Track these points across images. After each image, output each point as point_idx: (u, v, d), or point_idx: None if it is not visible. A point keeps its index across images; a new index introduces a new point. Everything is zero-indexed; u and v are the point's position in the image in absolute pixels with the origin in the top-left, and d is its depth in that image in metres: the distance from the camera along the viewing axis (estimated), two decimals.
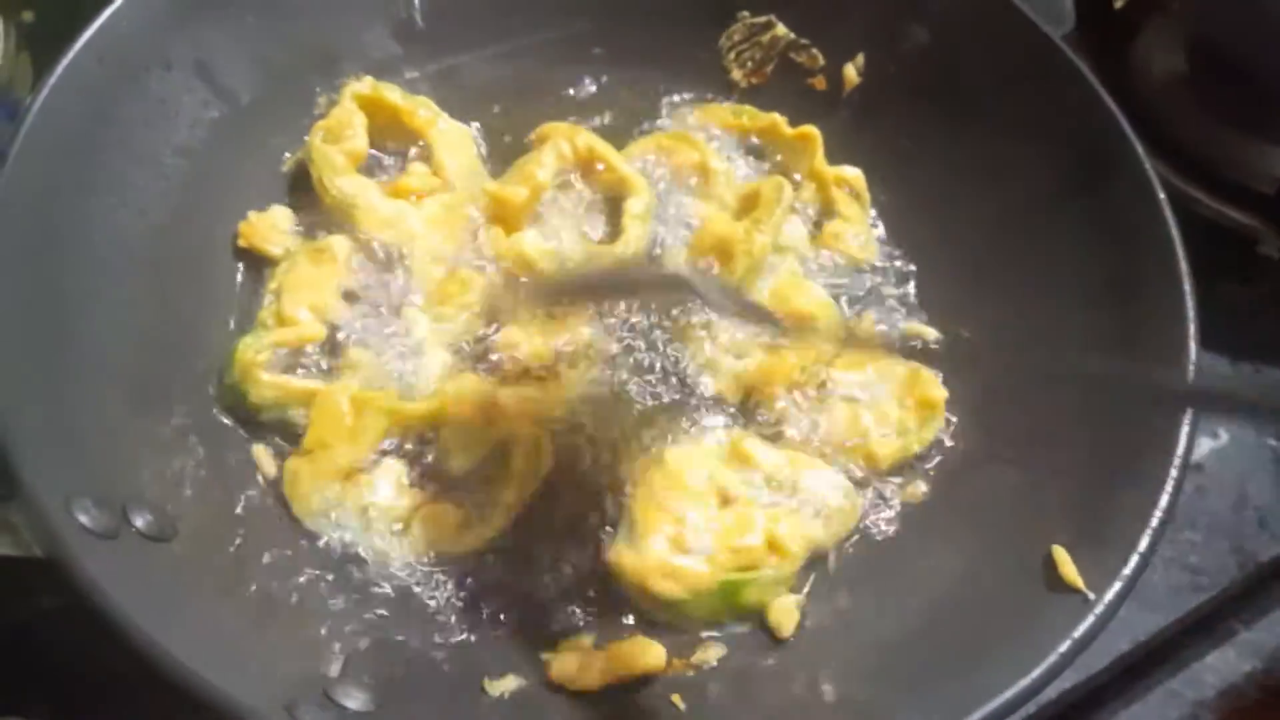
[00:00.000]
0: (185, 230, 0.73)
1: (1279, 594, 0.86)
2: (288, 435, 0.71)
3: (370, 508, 0.68)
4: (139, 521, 0.59)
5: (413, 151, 0.82)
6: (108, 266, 0.68)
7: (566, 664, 0.64)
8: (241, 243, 0.76)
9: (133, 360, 0.67)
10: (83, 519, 0.56)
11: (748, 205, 0.81)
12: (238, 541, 0.65)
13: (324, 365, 0.73)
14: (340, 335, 0.74)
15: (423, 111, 0.81)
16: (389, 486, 0.69)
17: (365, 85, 0.81)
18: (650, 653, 0.64)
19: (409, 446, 0.71)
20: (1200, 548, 0.83)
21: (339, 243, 0.75)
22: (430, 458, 0.70)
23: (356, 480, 0.69)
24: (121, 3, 0.69)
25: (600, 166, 0.81)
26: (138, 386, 0.67)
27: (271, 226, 0.77)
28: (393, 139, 0.82)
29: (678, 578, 0.64)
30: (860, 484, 0.73)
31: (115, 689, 0.64)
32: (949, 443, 0.74)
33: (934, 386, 0.73)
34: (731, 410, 0.75)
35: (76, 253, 0.66)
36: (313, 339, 0.73)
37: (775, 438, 0.73)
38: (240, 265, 0.77)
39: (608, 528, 0.70)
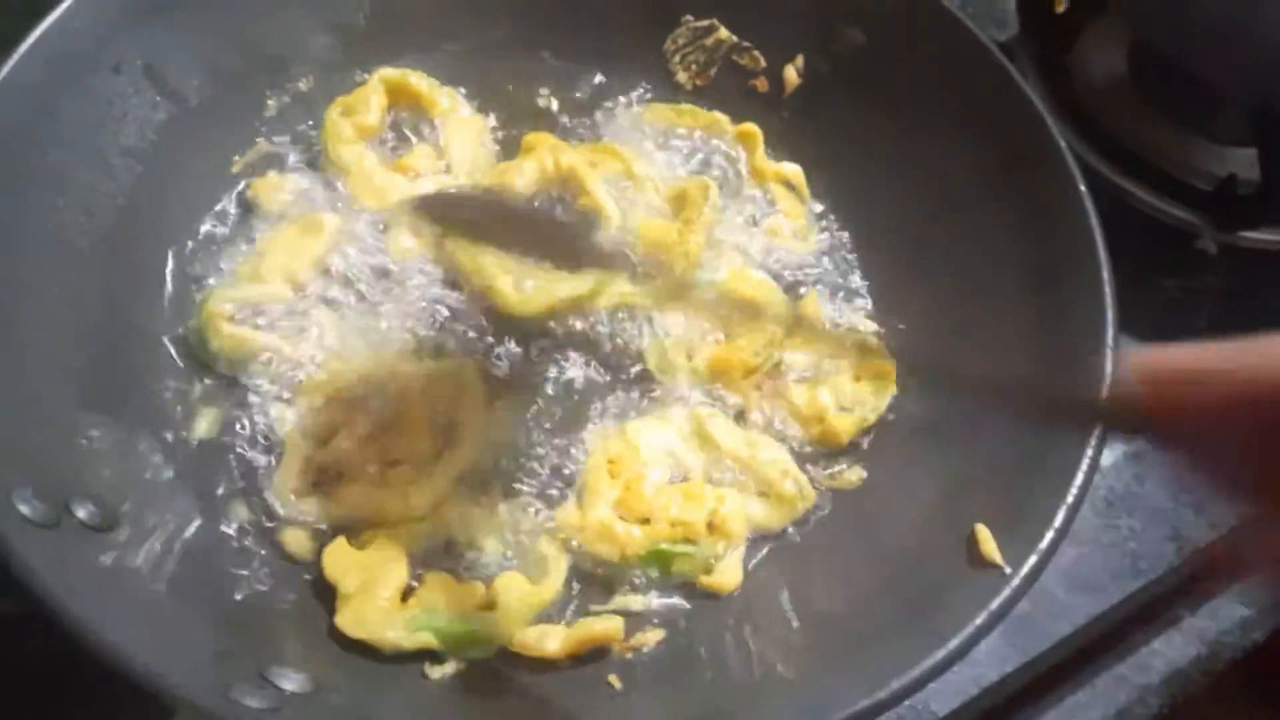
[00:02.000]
0: (133, 231, 0.74)
1: (1223, 582, 0.88)
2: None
3: None
4: (80, 512, 0.60)
5: (427, 135, 0.84)
6: (53, 265, 0.69)
7: (528, 634, 0.65)
8: (249, 193, 0.79)
9: (77, 357, 0.68)
10: (22, 509, 0.56)
11: (677, 206, 0.83)
12: (181, 534, 0.66)
13: (291, 327, 0.75)
14: (307, 303, 0.76)
15: (444, 100, 0.84)
16: None
17: (394, 70, 0.84)
18: (609, 621, 0.66)
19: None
20: (1139, 534, 0.85)
21: (329, 219, 0.78)
22: None
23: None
24: (69, 5, 0.70)
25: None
26: (82, 382, 0.67)
27: (278, 188, 0.80)
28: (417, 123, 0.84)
29: (612, 540, 0.67)
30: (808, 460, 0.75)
31: (73, 692, 0.64)
32: (883, 427, 0.76)
33: (883, 355, 0.75)
34: (696, 391, 0.76)
35: (21, 251, 0.67)
36: (278, 300, 0.75)
37: (738, 420, 0.75)
38: (189, 262, 0.78)
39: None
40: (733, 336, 0.77)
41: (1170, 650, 0.84)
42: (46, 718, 0.62)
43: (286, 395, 0.73)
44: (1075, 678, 0.83)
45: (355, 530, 0.69)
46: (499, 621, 0.65)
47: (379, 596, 0.64)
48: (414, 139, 0.84)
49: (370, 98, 0.83)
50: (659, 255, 0.80)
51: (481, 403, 0.73)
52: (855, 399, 0.76)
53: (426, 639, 0.63)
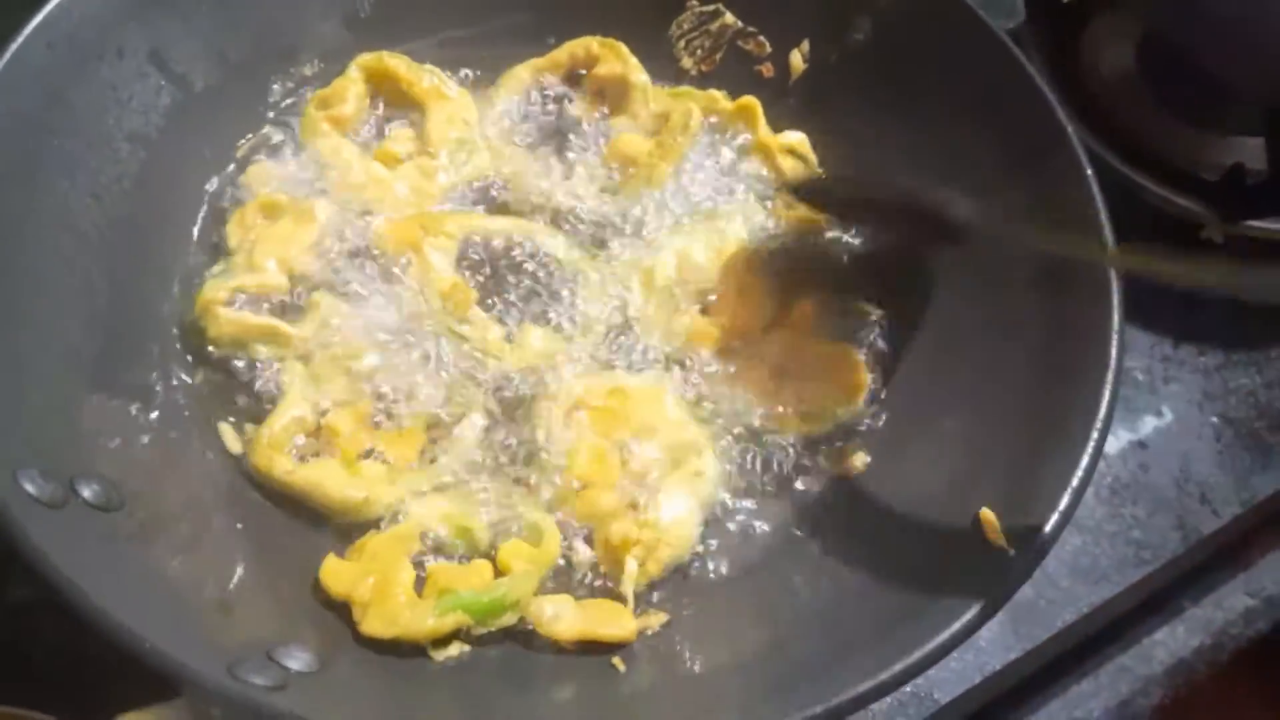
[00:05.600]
0: (138, 214, 0.74)
1: (1225, 572, 0.88)
2: (251, 414, 0.72)
3: None
4: (86, 492, 0.60)
5: (400, 119, 0.84)
6: (60, 249, 0.69)
7: (542, 607, 0.65)
8: (243, 179, 0.79)
9: (85, 339, 0.68)
10: (29, 488, 0.57)
11: (659, 126, 0.84)
12: (188, 514, 0.66)
13: (289, 314, 0.75)
14: (301, 289, 0.76)
15: (426, 79, 0.83)
16: None
17: (370, 55, 0.83)
18: (622, 619, 0.65)
19: None
20: (1144, 523, 0.85)
21: (322, 207, 0.78)
22: None
23: None
24: None
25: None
26: (91, 364, 0.68)
27: (269, 177, 0.80)
28: (402, 106, 0.84)
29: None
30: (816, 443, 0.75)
31: (89, 677, 0.64)
32: (888, 411, 0.76)
33: (859, 370, 0.75)
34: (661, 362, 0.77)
35: (29, 236, 0.67)
36: (274, 289, 0.75)
37: (695, 401, 0.75)
38: (195, 247, 0.78)
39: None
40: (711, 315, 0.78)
41: (1174, 640, 0.85)
42: (63, 703, 0.62)
43: (288, 374, 0.73)
44: (1078, 667, 0.83)
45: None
46: (515, 583, 0.65)
47: (398, 594, 0.64)
48: (404, 122, 0.84)
49: (348, 89, 0.82)
50: (626, 169, 0.81)
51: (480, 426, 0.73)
52: (817, 403, 0.75)
53: (460, 618, 0.63)
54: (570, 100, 0.87)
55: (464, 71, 0.87)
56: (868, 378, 0.76)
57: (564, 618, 0.65)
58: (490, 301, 0.78)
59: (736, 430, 0.74)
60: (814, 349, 0.77)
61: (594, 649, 0.65)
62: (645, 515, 0.68)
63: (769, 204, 0.84)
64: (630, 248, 0.80)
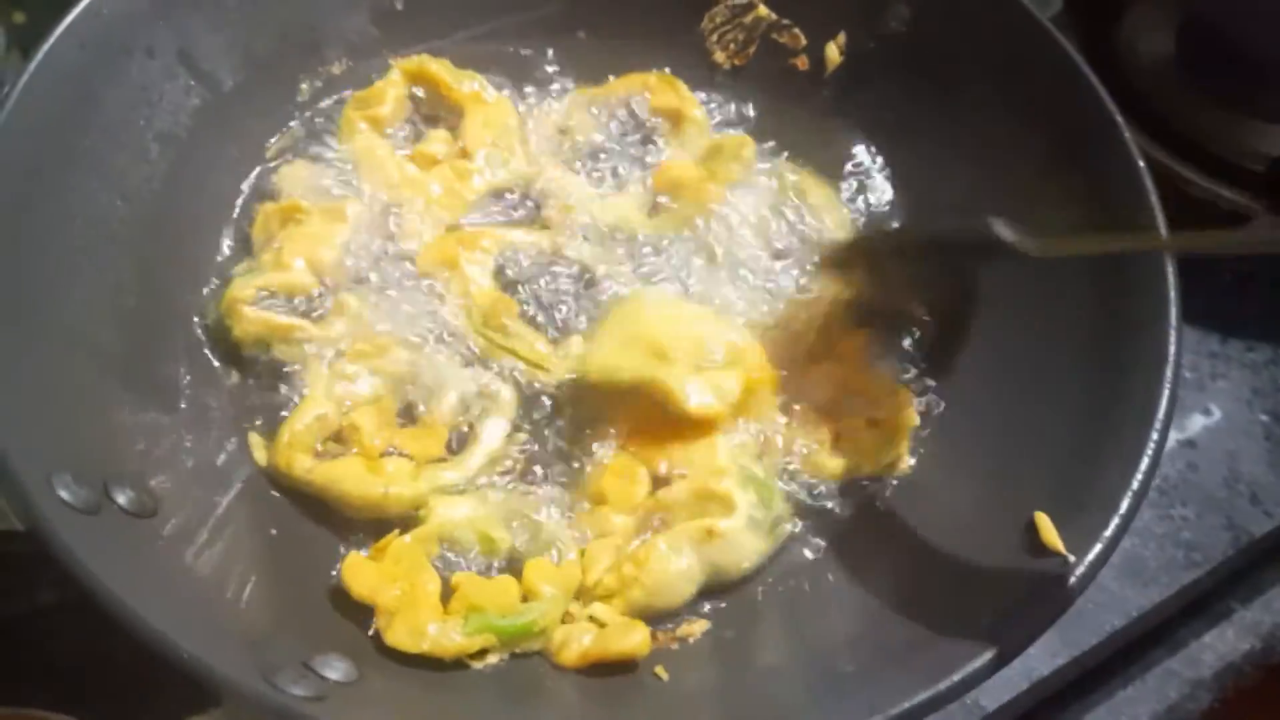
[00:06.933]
0: (168, 215, 0.73)
1: (1275, 573, 0.86)
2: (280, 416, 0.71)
3: None
4: (120, 498, 0.60)
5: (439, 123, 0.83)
6: (90, 249, 0.68)
7: (554, 636, 0.64)
8: (275, 179, 0.79)
9: (116, 341, 0.68)
10: (63, 494, 0.56)
11: (710, 157, 0.82)
12: (223, 520, 0.65)
13: (315, 314, 0.74)
14: (329, 289, 0.75)
15: (466, 84, 0.83)
16: None
17: (413, 59, 0.83)
18: (635, 635, 0.64)
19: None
20: (1193, 524, 0.83)
21: (352, 206, 0.77)
22: None
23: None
24: None
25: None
26: (122, 367, 0.67)
27: (302, 176, 0.79)
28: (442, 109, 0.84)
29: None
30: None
31: (115, 681, 0.64)
32: (932, 414, 0.73)
33: (907, 409, 0.72)
34: None
35: (58, 235, 0.66)
36: (301, 289, 0.74)
37: (758, 454, 0.72)
38: (225, 247, 0.78)
39: None
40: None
41: (1222, 644, 0.82)
42: (88, 708, 0.61)
43: (312, 373, 0.72)
44: (1126, 671, 0.81)
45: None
46: (546, 610, 0.64)
47: (424, 606, 0.62)
48: (440, 125, 0.83)
49: (387, 90, 0.82)
50: (673, 195, 0.80)
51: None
52: (859, 446, 0.72)
53: (487, 640, 0.62)
54: (623, 125, 0.85)
55: (492, 71, 0.86)
56: (915, 419, 0.72)
57: (572, 644, 0.63)
58: (530, 312, 0.77)
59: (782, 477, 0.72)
60: (863, 383, 0.74)
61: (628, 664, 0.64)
62: (634, 551, 0.66)
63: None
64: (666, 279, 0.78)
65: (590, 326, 0.76)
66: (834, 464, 0.71)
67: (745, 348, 0.73)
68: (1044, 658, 0.76)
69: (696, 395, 0.69)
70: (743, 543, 0.67)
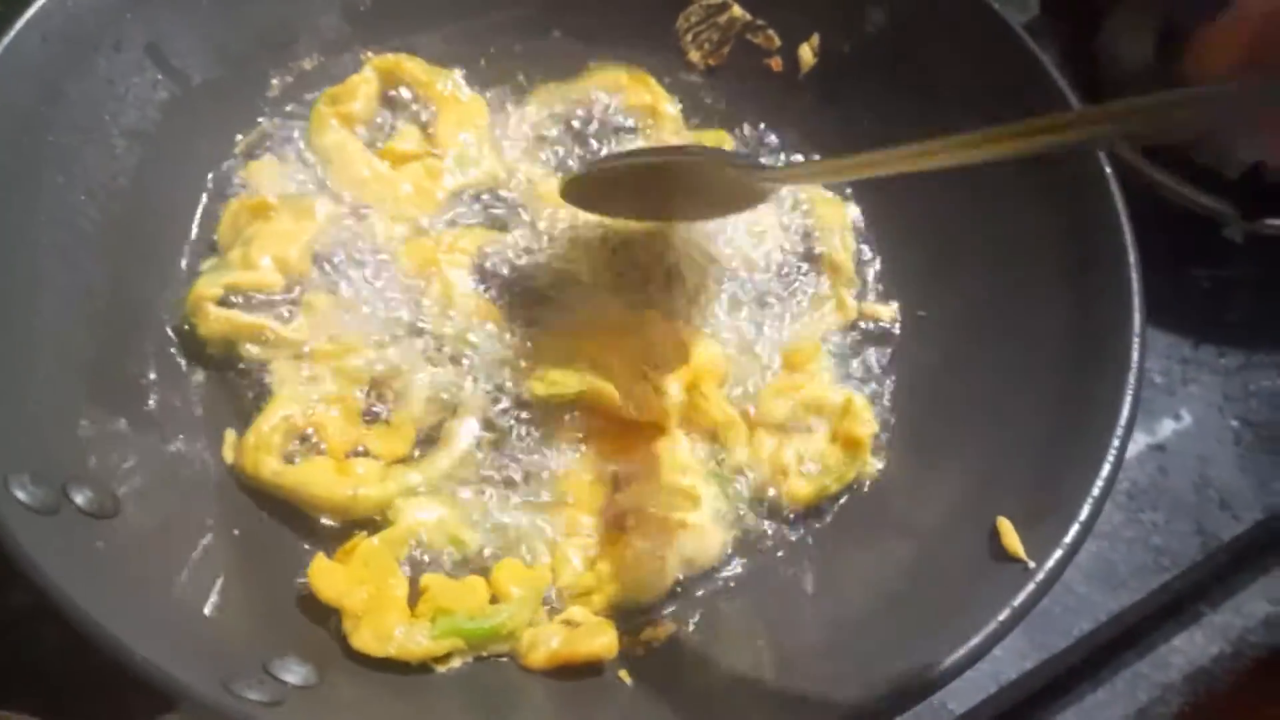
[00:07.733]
0: (135, 211, 0.73)
1: (1244, 577, 0.86)
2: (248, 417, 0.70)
3: None
4: (79, 499, 0.59)
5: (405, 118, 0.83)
6: (56, 246, 0.67)
7: (521, 639, 0.64)
8: (241, 173, 0.78)
9: (82, 339, 0.67)
10: (19, 494, 0.55)
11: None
12: (186, 522, 0.65)
13: (282, 312, 0.73)
14: (298, 290, 0.74)
15: (440, 83, 0.83)
16: None
17: (388, 57, 0.83)
18: (603, 637, 0.63)
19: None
20: (1163, 528, 0.83)
21: (321, 204, 0.76)
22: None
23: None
24: None
25: None
26: (88, 365, 0.66)
27: (270, 173, 0.78)
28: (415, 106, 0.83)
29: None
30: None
31: (89, 686, 0.63)
32: (901, 420, 0.74)
33: (862, 422, 0.72)
34: None
35: (24, 234, 0.65)
36: (268, 287, 0.73)
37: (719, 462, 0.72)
38: (192, 244, 0.77)
39: None
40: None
41: (1192, 648, 0.83)
42: (64, 709, 0.61)
43: (278, 374, 0.72)
44: (1095, 675, 0.81)
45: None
46: (515, 612, 0.63)
47: (391, 610, 0.62)
48: (409, 122, 0.82)
49: (359, 87, 0.81)
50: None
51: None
52: (824, 462, 0.72)
53: (454, 643, 0.62)
54: (593, 124, 0.85)
55: (463, 69, 0.85)
56: (872, 429, 0.73)
57: (540, 646, 0.63)
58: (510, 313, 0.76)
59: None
60: (816, 402, 0.74)
61: (595, 666, 0.64)
62: (608, 549, 0.66)
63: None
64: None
65: (551, 333, 0.75)
66: (804, 490, 0.71)
67: (691, 350, 0.73)
68: (1013, 660, 0.76)
69: (637, 401, 0.70)
70: (710, 533, 0.69)
